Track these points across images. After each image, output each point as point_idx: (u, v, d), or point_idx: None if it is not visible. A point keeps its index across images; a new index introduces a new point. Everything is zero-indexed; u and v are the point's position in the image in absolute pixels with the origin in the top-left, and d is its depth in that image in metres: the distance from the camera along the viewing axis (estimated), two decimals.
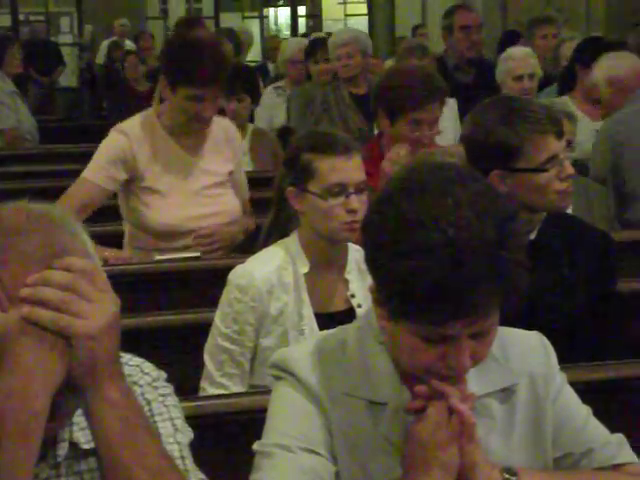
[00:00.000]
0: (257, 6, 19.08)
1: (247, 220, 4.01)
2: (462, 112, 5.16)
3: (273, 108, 6.80)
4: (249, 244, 3.75)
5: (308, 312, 2.79)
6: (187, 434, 1.68)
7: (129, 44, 12.99)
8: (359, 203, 2.73)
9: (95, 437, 1.48)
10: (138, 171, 3.78)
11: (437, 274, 1.53)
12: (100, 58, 13.60)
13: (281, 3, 18.94)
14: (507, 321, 1.70)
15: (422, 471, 1.65)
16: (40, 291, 1.43)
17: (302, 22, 17.89)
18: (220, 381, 2.80)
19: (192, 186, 3.84)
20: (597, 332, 2.82)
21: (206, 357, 2.84)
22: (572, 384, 1.87)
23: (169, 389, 1.70)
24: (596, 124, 4.88)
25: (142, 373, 1.68)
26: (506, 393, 1.79)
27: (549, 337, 1.88)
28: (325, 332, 1.87)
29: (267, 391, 1.88)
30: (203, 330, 2.88)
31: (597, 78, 4.74)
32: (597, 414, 1.86)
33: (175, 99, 3.75)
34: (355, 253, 2.82)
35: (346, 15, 17.88)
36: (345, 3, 18.02)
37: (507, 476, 1.70)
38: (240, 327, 2.77)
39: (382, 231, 1.61)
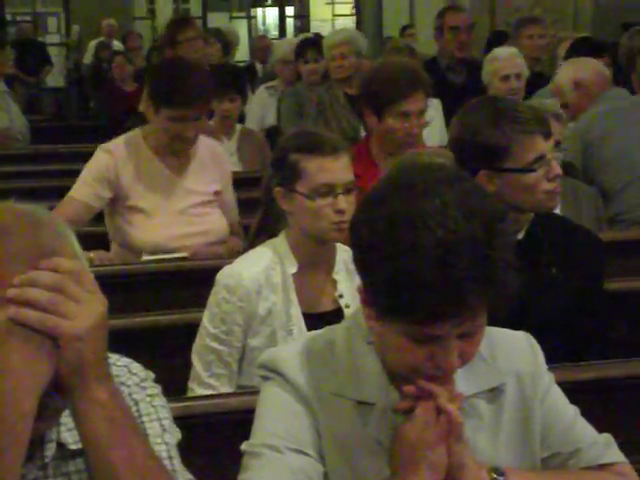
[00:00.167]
0: (245, 6, 19.06)
1: (235, 242, 4.02)
2: (454, 113, 5.18)
3: (264, 108, 6.81)
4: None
5: (296, 312, 2.79)
6: (175, 434, 1.68)
7: (117, 44, 12.96)
8: (347, 203, 2.73)
9: (82, 438, 1.48)
10: (122, 190, 3.84)
11: (425, 274, 1.53)
12: (87, 58, 13.57)
13: (269, 3, 18.93)
14: (495, 321, 1.70)
15: (410, 471, 1.65)
16: (27, 292, 1.43)
17: (290, 22, 17.89)
18: (208, 381, 2.80)
19: (177, 205, 3.89)
20: (584, 332, 2.83)
21: (194, 357, 2.83)
22: (559, 384, 1.87)
23: (157, 389, 1.70)
24: None
25: (130, 373, 1.68)
26: (494, 393, 1.79)
27: (537, 337, 1.88)
28: (313, 332, 1.87)
29: (255, 391, 1.88)
30: (191, 330, 2.88)
31: (563, 82, 4.79)
32: (584, 414, 1.86)
33: (158, 120, 3.81)
34: (343, 253, 2.82)
35: (334, 15, 17.89)
36: (333, 3, 18.03)
37: (495, 476, 1.70)
38: (228, 327, 2.77)
39: (370, 231, 1.61)
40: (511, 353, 1.82)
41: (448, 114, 2.91)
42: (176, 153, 3.89)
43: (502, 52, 5.73)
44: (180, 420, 1.75)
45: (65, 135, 8.33)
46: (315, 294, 2.83)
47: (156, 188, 3.87)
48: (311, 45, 6.57)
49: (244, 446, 1.76)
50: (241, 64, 10.41)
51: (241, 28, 17.51)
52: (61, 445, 1.58)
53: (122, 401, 1.51)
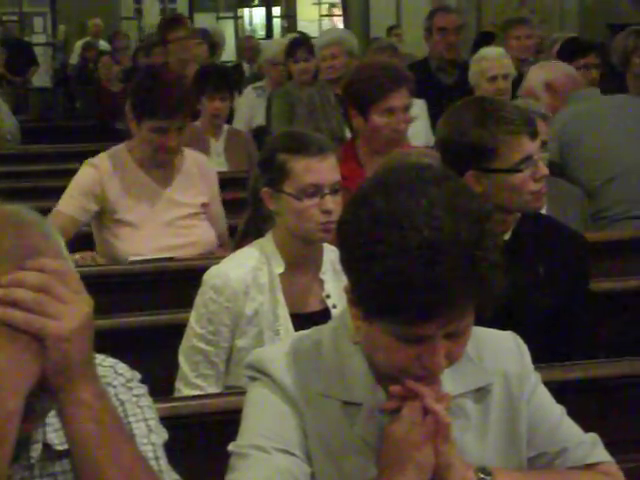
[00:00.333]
0: (232, 6, 19.06)
1: (223, 253, 4.02)
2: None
3: (252, 108, 6.80)
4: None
5: (283, 312, 2.78)
6: (161, 435, 1.68)
7: (103, 44, 12.95)
8: (334, 204, 2.73)
9: (69, 438, 1.47)
10: (109, 204, 3.87)
11: (412, 274, 1.53)
12: (74, 58, 13.54)
13: (256, 3, 18.93)
14: (482, 321, 1.70)
15: (397, 471, 1.65)
16: (13, 292, 1.43)
17: (277, 23, 17.90)
18: (195, 382, 2.79)
19: (164, 217, 3.92)
20: (571, 332, 2.83)
21: (181, 358, 2.83)
22: (546, 383, 1.88)
23: (143, 390, 1.70)
24: None
25: (116, 374, 1.67)
26: (481, 393, 1.79)
27: (523, 337, 1.88)
28: (300, 333, 1.87)
29: (242, 392, 1.87)
30: (178, 331, 2.87)
31: (534, 84, 4.82)
32: (571, 414, 1.87)
33: (141, 132, 3.85)
34: (330, 253, 2.82)
35: (321, 16, 17.90)
36: (320, 4, 18.04)
37: (482, 476, 1.70)
38: (215, 328, 2.77)
39: (357, 231, 1.60)
40: (498, 353, 1.82)
41: (439, 115, 2.91)
42: (161, 165, 3.93)
43: (489, 53, 5.74)
44: (167, 420, 1.74)
45: (51, 135, 8.32)
46: (302, 294, 2.83)
47: (142, 201, 3.90)
48: (301, 44, 6.57)
49: (231, 447, 1.75)
50: (228, 64, 10.39)
51: (228, 28, 17.52)
52: (47, 446, 1.57)
53: (108, 402, 1.51)
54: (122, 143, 4.01)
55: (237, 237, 3.08)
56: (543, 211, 3.15)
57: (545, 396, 1.86)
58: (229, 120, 5.93)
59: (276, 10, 18.40)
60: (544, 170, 2.78)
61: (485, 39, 7.96)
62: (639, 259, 3.62)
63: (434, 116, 5.45)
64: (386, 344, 1.63)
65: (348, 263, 1.64)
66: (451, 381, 1.74)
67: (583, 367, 2.68)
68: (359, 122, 3.91)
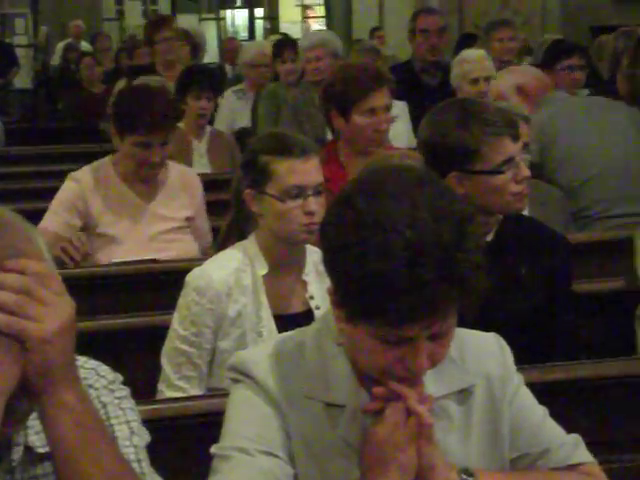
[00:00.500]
0: (214, 8, 19.05)
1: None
2: None
3: (234, 111, 6.78)
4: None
5: (266, 314, 2.78)
6: (144, 437, 1.67)
7: (85, 45, 12.91)
8: (317, 205, 2.73)
9: (50, 441, 1.47)
10: (92, 218, 3.87)
11: (395, 276, 1.53)
12: (55, 59, 13.50)
13: (238, 5, 18.93)
14: (464, 322, 1.71)
15: (380, 472, 1.65)
16: None
17: (259, 24, 17.90)
18: (178, 384, 2.79)
19: (147, 231, 3.92)
20: (553, 333, 2.84)
21: (163, 360, 2.82)
22: (528, 385, 1.88)
23: (125, 392, 1.69)
24: None
25: (98, 376, 1.67)
26: (463, 394, 1.79)
27: (506, 338, 1.89)
28: (283, 334, 1.87)
29: (225, 394, 1.87)
30: (160, 333, 2.86)
31: (504, 88, 4.85)
32: (553, 415, 1.87)
33: (124, 146, 3.86)
34: (313, 255, 2.82)
35: (304, 17, 17.91)
36: (303, 5, 18.04)
37: (464, 477, 1.71)
38: (198, 329, 2.76)
39: (340, 233, 1.61)
40: (481, 355, 1.82)
41: (422, 116, 2.91)
42: (144, 179, 3.93)
43: (471, 55, 5.75)
44: (149, 423, 1.74)
45: (33, 137, 8.29)
46: (285, 296, 2.83)
47: (125, 215, 3.91)
48: (288, 45, 6.57)
49: (214, 449, 1.75)
50: (211, 66, 10.38)
51: (210, 30, 17.50)
52: (29, 448, 1.57)
53: (90, 404, 1.50)
54: (106, 157, 4.02)
55: (219, 239, 3.08)
56: (525, 212, 3.16)
57: (527, 397, 1.86)
58: (210, 123, 5.93)
59: (259, 11, 18.39)
60: (526, 172, 2.78)
61: (467, 41, 7.97)
62: (619, 260, 3.63)
63: (418, 118, 5.46)
64: (369, 346, 1.63)
65: (331, 265, 1.64)
66: (434, 382, 1.74)
67: (565, 368, 2.68)
68: (340, 123, 3.91)
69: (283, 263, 2.82)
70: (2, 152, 7.08)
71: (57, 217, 3.86)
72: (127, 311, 3.41)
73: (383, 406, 1.66)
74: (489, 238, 2.81)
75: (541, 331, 2.81)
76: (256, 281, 2.79)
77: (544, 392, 1.97)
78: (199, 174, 4.75)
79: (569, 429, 1.87)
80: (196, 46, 7.71)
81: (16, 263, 1.44)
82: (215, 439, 1.76)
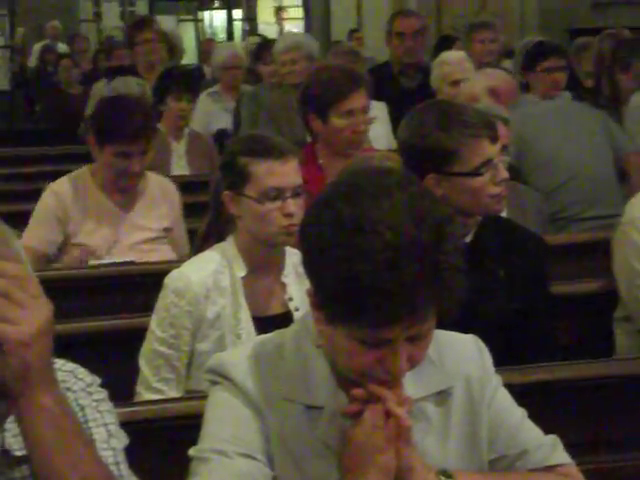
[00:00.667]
0: (192, 9, 19.00)
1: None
2: None
3: (209, 114, 6.76)
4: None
5: (245, 316, 2.78)
6: (122, 439, 1.67)
7: (62, 47, 12.85)
8: (296, 207, 2.73)
9: (28, 444, 1.46)
10: (71, 229, 3.87)
11: (374, 278, 1.53)
12: (32, 61, 13.43)
13: (216, 6, 18.89)
14: (443, 324, 1.71)
15: (359, 475, 1.65)
16: None
17: (238, 25, 17.86)
18: (156, 386, 2.78)
19: (125, 242, 3.93)
20: (531, 334, 2.85)
21: (142, 362, 2.81)
22: (507, 386, 1.88)
23: (103, 394, 1.69)
24: None
25: (76, 379, 1.66)
26: (442, 396, 1.80)
27: (485, 340, 1.89)
28: (262, 336, 1.87)
29: (203, 396, 1.87)
30: (138, 335, 2.86)
31: (477, 90, 4.87)
32: (531, 416, 1.88)
33: (103, 157, 3.86)
34: (293, 256, 2.82)
35: (277, 19, 17.90)
36: (281, 7, 18.04)
37: (443, 478, 1.71)
38: (176, 331, 2.76)
39: (319, 235, 1.60)
40: (459, 356, 1.83)
41: (401, 118, 2.91)
42: (123, 189, 3.93)
43: (451, 57, 5.75)
44: (127, 425, 1.73)
45: (11, 139, 8.25)
46: (264, 297, 2.82)
47: (104, 225, 3.91)
48: (269, 47, 6.56)
49: (192, 451, 1.75)
50: (190, 67, 10.36)
51: (188, 31, 17.46)
52: (6, 452, 1.56)
53: (68, 407, 1.50)
54: (84, 167, 4.02)
55: (198, 240, 3.07)
56: (503, 214, 3.17)
57: (506, 399, 1.87)
58: None
59: (237, 13, 18.36)
60: (504, 173, 2.79)
61: (445, 43, 7.97)
62: (596, 262, 3.65)
63: (396, 120, 5.46)
64: (348, 347, 1.63)
65: (311, 267, 1.64)
66: (413, 384, 1.74)
67: (544, 370, 2.69)
68: (317, 125, 3.90)
69: (262, 265, 2.82)
70: None
71: (38, 233, 3.87)
72: (105, 313, 3.40)
73: (362, 408, 1.66)
74: (468, 240, 2.82)
75: (519, 333, 2.82)
76: (235, 283, 2.78)
77: (523, 393, 1.98)
78: (178, 175, 4.74)
79: (547, 430, 1.87)
80: (172, 47, 7.69)
81: None
82: (193, 441, 1.75)
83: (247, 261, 2.79)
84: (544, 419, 1.90)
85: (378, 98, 5.28)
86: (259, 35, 11.27)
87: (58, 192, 3.89)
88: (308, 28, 14.84)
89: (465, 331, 1.89)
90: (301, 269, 1.70)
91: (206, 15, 19.05)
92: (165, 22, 15.68)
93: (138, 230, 3.95)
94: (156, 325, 2.79)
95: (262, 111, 5.96)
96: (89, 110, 4.10)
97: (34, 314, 1.43)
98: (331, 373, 1.73)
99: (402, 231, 1.55)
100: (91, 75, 9.50)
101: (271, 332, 1.85)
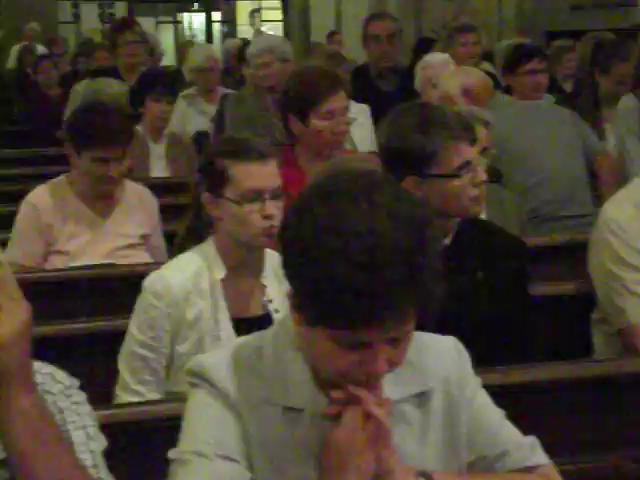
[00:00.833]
0: (171, 11, 18.98)
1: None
2: None
3: (185, 117, 6.74)
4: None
5: (225, 317, 2.77)
6: (101, 442, 1.66)
7: (40, 48, 12.80)
8: (275, 209, 2.73)
9: (6, 447, 1.45)
10: (51, 238, 3.87)
11: (353, 280, 1.53)
12: (10, 63, 13.37)
13: (195, 8, 18.87)
14: (422, 326, 1.71)
15: (338, 476, 1.65)
16: None
17: (217, 27, 17.86)
18: (135, 388, 2.77)
19: (103, 248, 3.93)
20: (510, 336, 2.86)
21: (121, 364, 2.81)
22: (486, 387, 1.89)
23: (82, 397, 1.68)
24: None
25: (54, 381, 1.66)
26: (421, 398, 1.80)
27: (463, 341, 1.89)
28: (242, 338, 1.86)
29: (183, 398, 1.86)
30: (117, 337, 2.85)
31: (451, 90, 4.89)
32: (510, 417, 1.88)
33: (81, 163, 3.86)
34: (272, 258, 2.82)
35: (261, 21, 17.90)
36: (260, 9, 18.04)
37: None
38: (155, 333, 2.75)
39: (299, 237, 1.60)
40: (439, 358, 1.83)
41: (380, 121, 2.92)
42: (102, 195, 3.94)
43: (434, 59, 5.75)
44: (106, 427, 1.73)
45: None
46: (244, 299, 2.82)
47: (82, 232, 3.92)
48: None
49: (171, 453, 1.74)
50: (168, 69, 10.33)
51: (167, 33, 17.44)
52: None
53: (45, 409, 1.49)
54: (62, 175, 4.01)
55: (177, 242, 3.06)
56: (482, 216, 3.18)
57: (485, 400, 1.87)
58: None
59: (216, 15, 18.35)
60: (482, 175, 2.80)
61: (424, 45, 7.97)
62: (575, 263, 3.66)
63: (375, 123, 5.46)
64: (328, 350, 1.63)
65: (290, 269, 1.64)
66: (392, 386, 1.75)
67: (524, 371, 2.70)
68: (297, 127, 3.90)
69: (241, 267, 2.81)
70: None
71: (21, 248, 3.87)
72: (84, 316, 3.39)
73: (341, 410, 1.66)
74: (446, 242, 2.82)
75: (499, 334, 2.82)
76: (214, 284, 2.78)
77: (502, 395, 1.98)
78: (157, 177, 4.73)
79: (526, 431, 1.88)
80: (151, 49, 7.68)
81: None
82: (173, 444, 1.75)
83: (227, 263, 2.79)
84: (523, 420, 1.91)
85: (357, 100, 5.28)
86: (242, 39, 11.24)
87: (36, 204, 3.90)
88: (286, 30, 14.86)
89: (444, 333, 1.89)
90: (280, 271, 1.69)
91: (185, 17, 19.04)
92: (144, 24, 15.67)
93: (116, 237, 3.96)
94: (135, 327, 2.78)
95: (242, 114, 5.95)
96: (69, 111, 4.08)
97: (12, 316, 1.43)
98: (311, 375, 1.73)
99: (381, 234, 1.55)
100: (70, 77, 9.46)
101: (251, 334, 1.85)
